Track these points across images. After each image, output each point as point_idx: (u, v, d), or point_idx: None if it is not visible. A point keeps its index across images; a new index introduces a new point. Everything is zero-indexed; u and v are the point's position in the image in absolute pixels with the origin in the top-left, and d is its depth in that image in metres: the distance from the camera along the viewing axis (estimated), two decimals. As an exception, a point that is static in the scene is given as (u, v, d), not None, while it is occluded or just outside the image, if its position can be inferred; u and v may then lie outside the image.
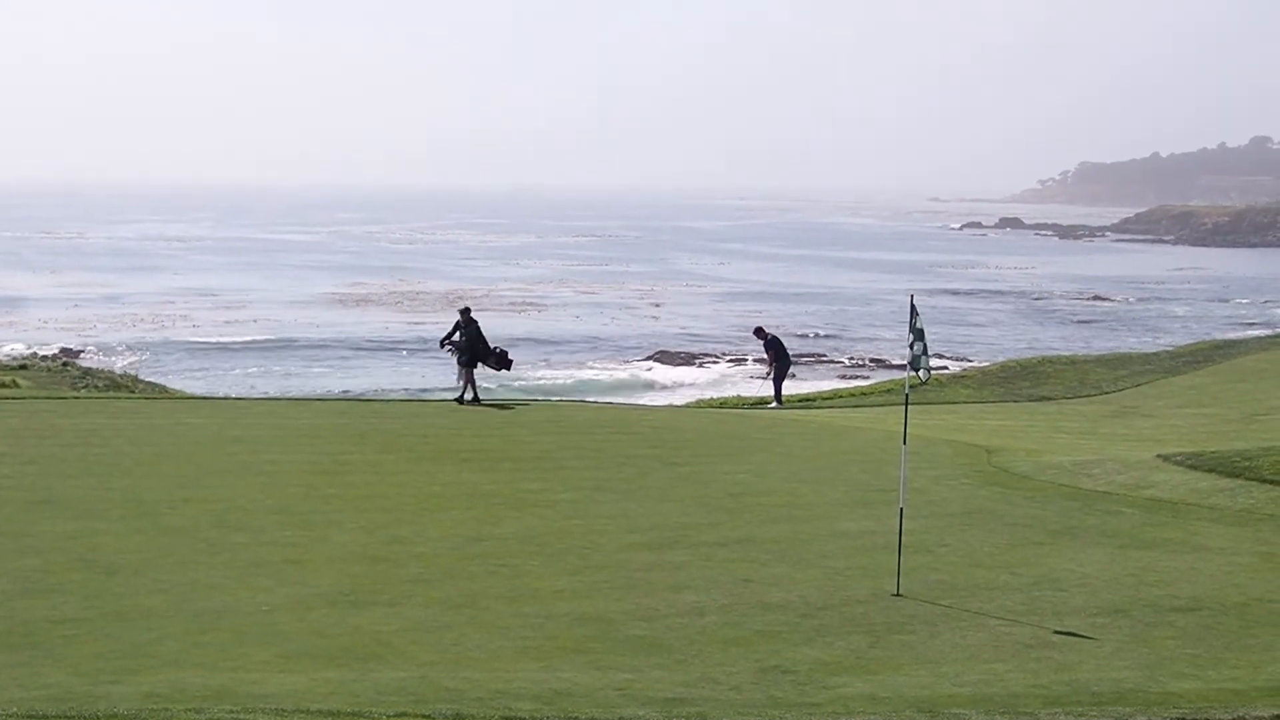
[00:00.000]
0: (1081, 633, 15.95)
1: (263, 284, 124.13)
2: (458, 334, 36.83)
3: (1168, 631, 16.11)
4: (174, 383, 56.98)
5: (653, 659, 14.47)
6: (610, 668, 14.08)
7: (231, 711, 10.87)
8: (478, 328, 36.85)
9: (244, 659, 13.85)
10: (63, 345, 73.64)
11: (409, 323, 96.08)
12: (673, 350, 78.45)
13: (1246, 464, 26.75)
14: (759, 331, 43.96)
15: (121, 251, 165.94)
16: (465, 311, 37.19)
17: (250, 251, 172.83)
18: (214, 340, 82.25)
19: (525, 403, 40.20)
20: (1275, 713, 13.04)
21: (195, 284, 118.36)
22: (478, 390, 36.93)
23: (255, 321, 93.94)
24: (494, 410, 35.43)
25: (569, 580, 17.63)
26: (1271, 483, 25.47)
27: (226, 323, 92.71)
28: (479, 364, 36.87)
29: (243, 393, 51.35)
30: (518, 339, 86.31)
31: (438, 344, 38.49)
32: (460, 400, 36.54)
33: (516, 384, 68.40)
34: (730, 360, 74.86)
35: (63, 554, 17.97)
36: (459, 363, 36.87)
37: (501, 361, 37.27)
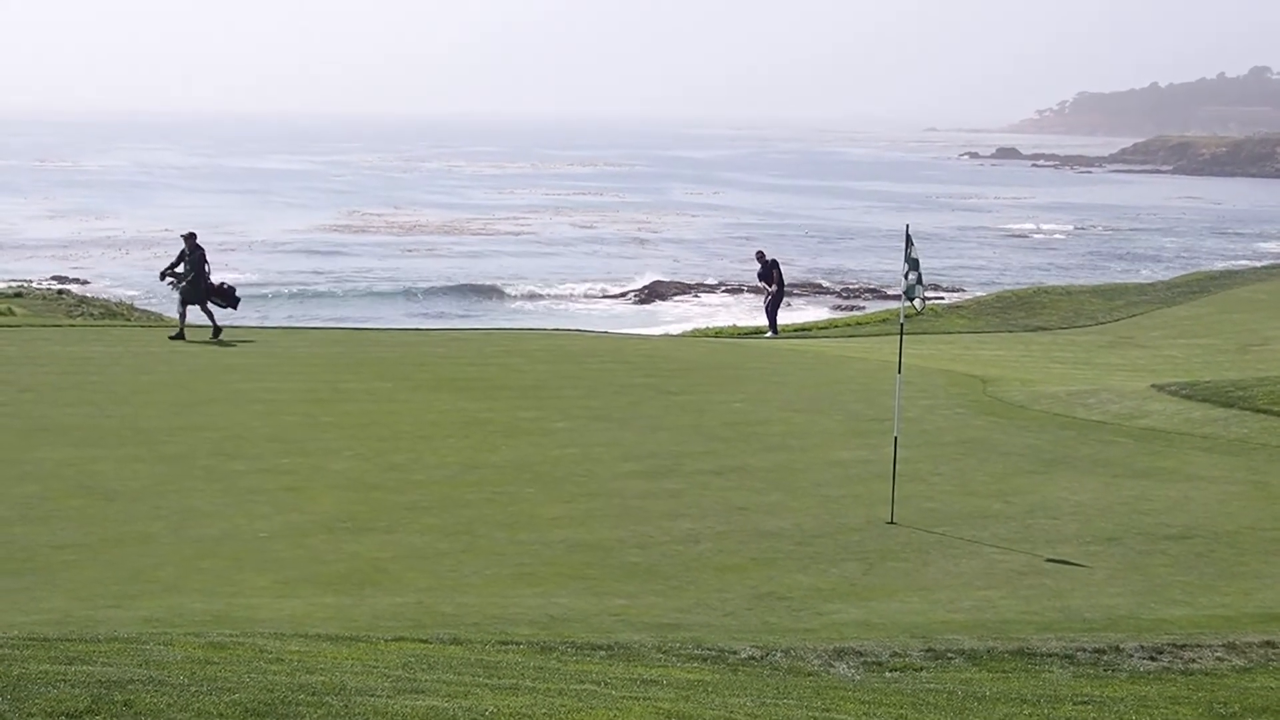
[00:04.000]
0: (1074, 560, 16.07)
1: (259, 214, 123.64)
2: (181, 264, 32.91)
3: (1160, 559, 16.22)
4: (171, 311, 56.87)
5: (648, 585, 14.57)
6: (606, 593, 14.18)
7: (230, 635, 10.95)
8: (202, 255, 33.06)
9: (242, 584, 13.94)
10: (56, 274, 73.46)
11: (404, 250, 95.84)
12: (668, 280, 78.29)
13: (1240, 394, 26.85)
14: (760, 255, 43.84)
15: (116, 181, 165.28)
16: (189, 238, 33.21)
17: (243, 178, 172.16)
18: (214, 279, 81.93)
19: (522, 331, 40.21)
20: (1265, 638, 13.16)
21: (188, 213, 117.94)
22: (185, 325, 32.79)
23: (249, 251, 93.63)
24: (489, 340, 35.44)
25: (565, 508, 17.72)
26: (1265, 412, 25.56)
27: (223, 249, 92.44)
28: (206, 300, 32.99)
29: (238, 321, 51.32)
30: (513, 268, 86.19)
31: (158, 276, 34.24)
32: (180, 336, 32.49)
33: (512, 311, 68.38)
34: (726, 290, 74.73)
35: (61, 481, 18.04)
36: (180, 296, 32.94)
37: (227, 298, 33.42)
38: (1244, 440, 23.80)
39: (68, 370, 27.07)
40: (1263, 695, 10.51)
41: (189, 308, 32.80)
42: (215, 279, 34.00)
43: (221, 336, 32.61)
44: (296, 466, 19.44)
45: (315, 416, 23.16)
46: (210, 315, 32.98)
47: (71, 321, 37.20)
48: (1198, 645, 12.91)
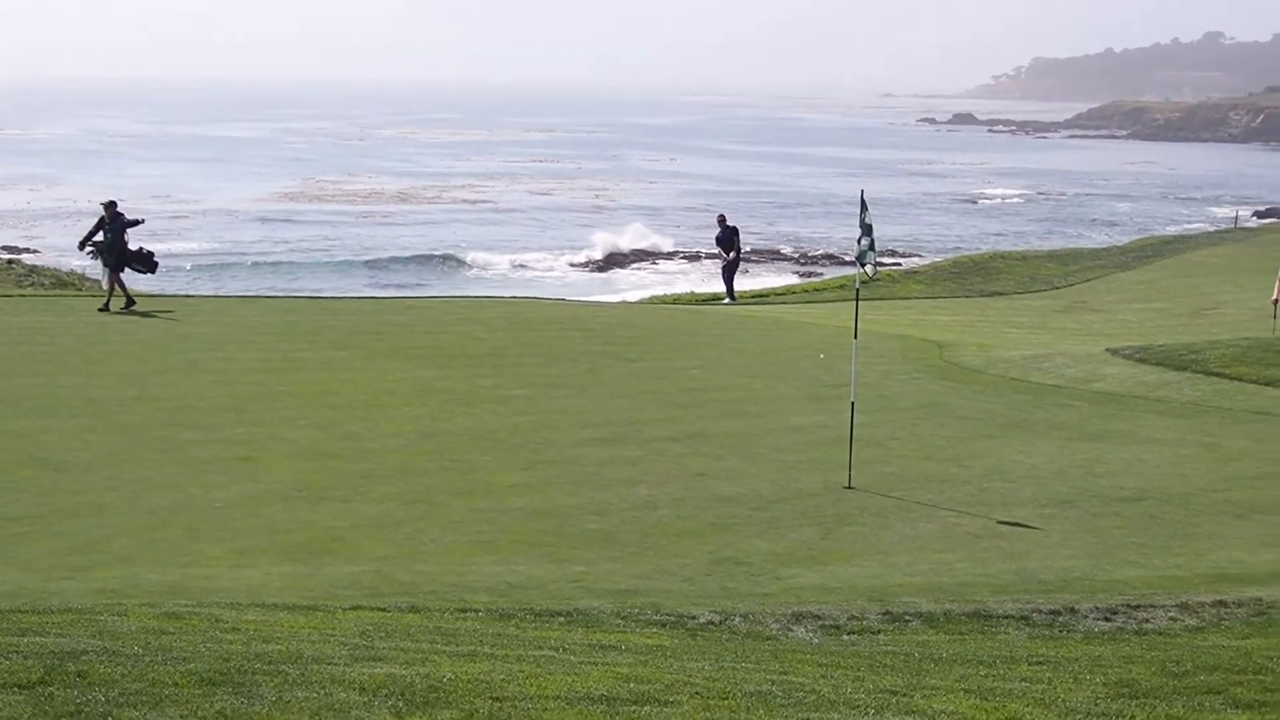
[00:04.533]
0: (1030, 523, 16.16)
1: (213, 182, 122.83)
2: (100, 233, 31.93)
3: (1114, 521, 16.34)
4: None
5: (606, 552, 14.59)
6: (565, 560, 14.19)
7: (185, 605, 10.91)
8: (122, 222, 32.11)
9: (197, 554, 13.88)
10: (6, 244, 72.85)
11: (360, 218, 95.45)
12: (626, 247, 78.20)
13: (1193, 357, 27.05)
14: (721, 220, 43.80)
15: (67, 150, 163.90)
16: (110, 206, 32.26)
17: (196, 145, 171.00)
18: (163, 250, 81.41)
19: (479, 299, 40.14)
20: (1216, 598, 13.27)
21: (142, 181, 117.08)
22: (129, 293, 32.48)
23: (203, 219, 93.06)
24: (445, 308, 35.36)
25: (523, 475, 17.71)
26: (1217, 375, 25.76)
27: (175, 217, 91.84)
28: (125, 267, 32.18)
29: (191, 290, 51.00)
30: (470, 236, 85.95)
31: (77, 246, 33.30)
32: (105, 308, 31.72)
33: (469, 279, 68.19)
34: (684, 257, 74.72)
35: (12, 452, 17.91)
36: (104, 265, 32.23)
37: (146, 263, 32.58)
38: (1196, 403, 23.98)
39: (18, 340, 26.86)
40: (1214, 654, 10.60)
41: (118, 274, 32.12)
42: (135, 245, 33.07)
43: (135, 307, 32.02)
44: (251, 436, 19.36)
45: (270, 386, 23.07)
46: (123, 285, 32.25)
47: (22, 291, 36.90)
48: (1151, 605, 13.01)
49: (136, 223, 32.85)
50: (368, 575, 13.31)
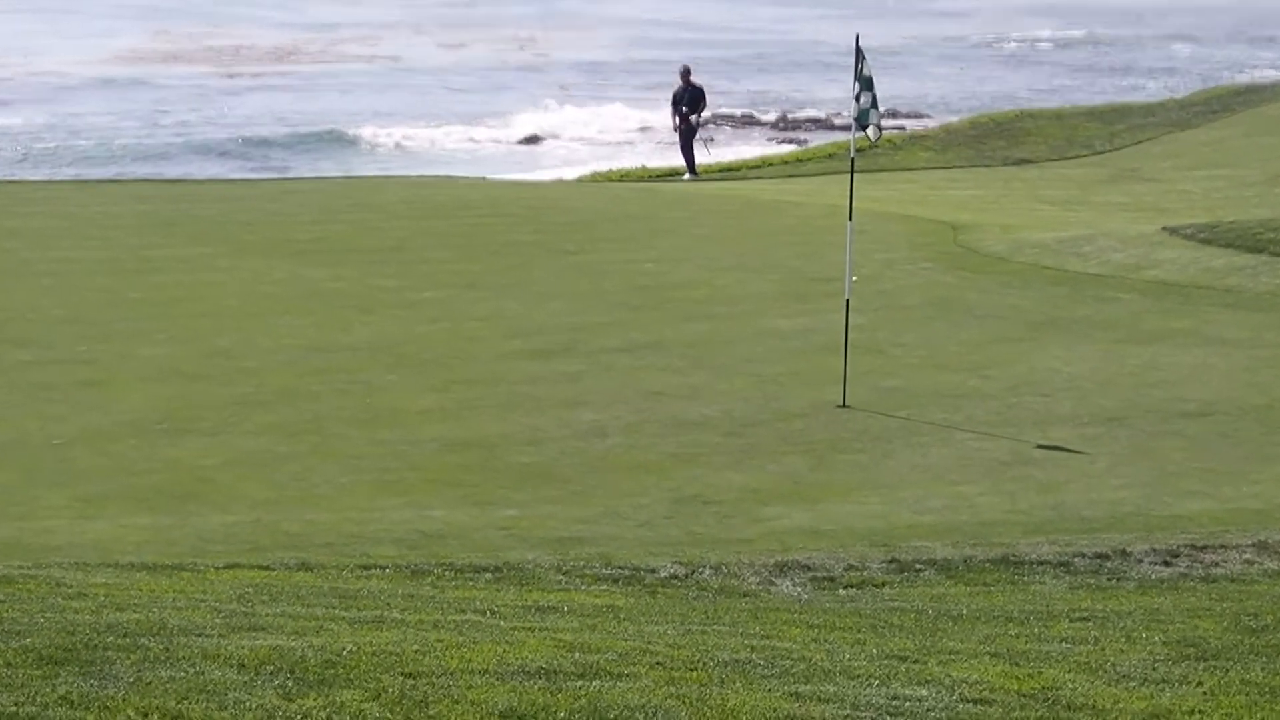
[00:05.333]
0: (1069, 446, 16.23)
1: (42, 39, 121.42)
2: None
3: (1174, 442, 16.41)
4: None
5: (543, 491, 14.61)
6: (490, 503, 14.21)
7: (20, 568, 10.85)
8: None
9: (33, 503, 13.83)
10: None
11: (226, 82, 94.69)
12: (560, 110, 77.76)
13: (1271, 236, 27.05)
14: (685, 73, 43.55)
15: None
16: None
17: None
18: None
19: (376, 180, 39.93)
20: (1302, 535, 13.37)
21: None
22: None
23: (31, 85, 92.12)
24: (335, 191, 35.18)
25: (436, 398, 17.69)
26: (1301, 259, 25.81)
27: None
28: None
29: (17, 175, 50.51)
30: (365, 103, 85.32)
31: None
32: None
33: (364, 160, 67.69)
34: (637, 129, 74.36)
35: None
36: None
37: None
38: (1275, 293, 24.04)
39: None
40: (1300, 603, 10.71)
41: None
42: None
43: None
44: (98, 354, 19.27)
45: (119, 292, 22.93)
46: None
47: None
48: (1221, 546, 13.07)
49: None
50: (245, 526, 13.29)
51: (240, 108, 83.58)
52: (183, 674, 6.87)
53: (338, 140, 73.96)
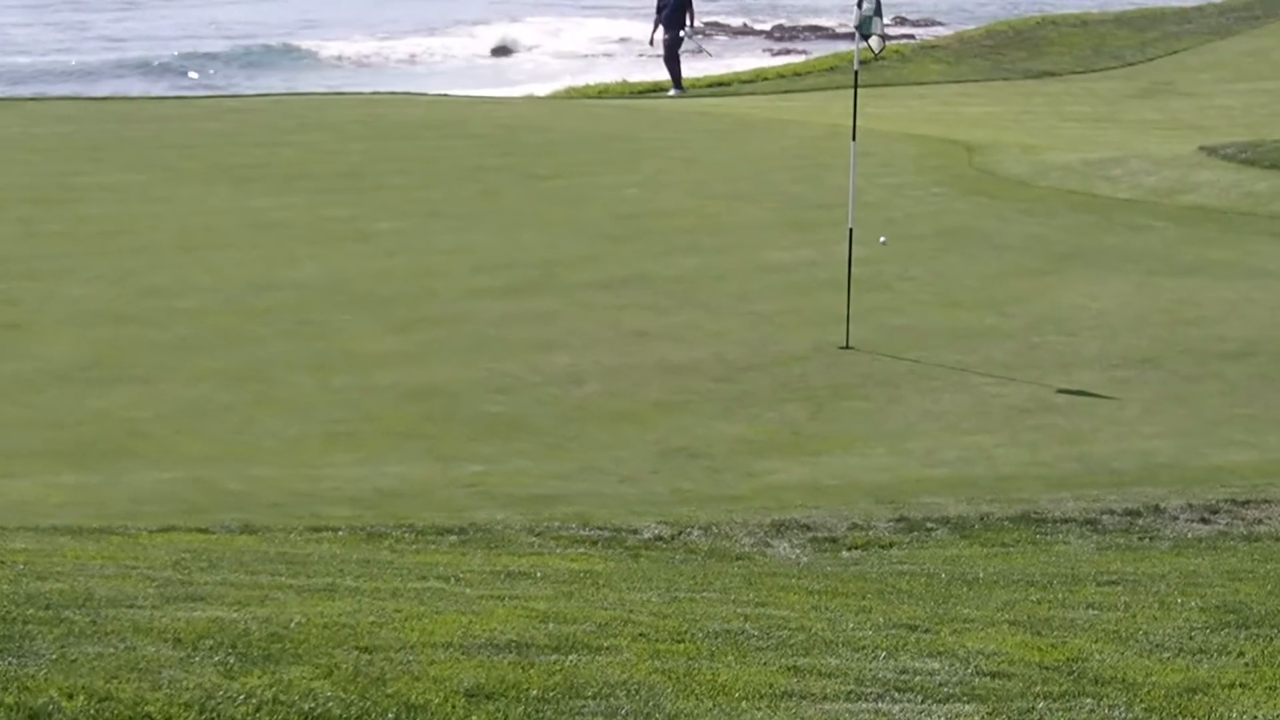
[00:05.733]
0: (1097, 391, 16.25)
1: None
2: None
3: (1213, 386, 16.45)
4: None
5: (514, 444, 14.62)
6: (455, 457, 14.21)
7: (-70, 533, 10.87)
8: None
9: (-55, 461, 13.84)
10: None
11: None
12: (529, 16, 77.52)
13: (1321, 157, 27.08)
14: None
15: None
16: None
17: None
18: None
19: (328, 98, 39.82)
20: (1355, 488, 13.40)
21: None
22: None
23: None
24: (282, 110, 35.07)
25: (395, 340, 17.69)
26: (1354, 181, 25.83)
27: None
28: None
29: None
30: (310, 15, 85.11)
31: None
32: None
33: (311, 71, 67.49)
34: (616, 40, 74.19)
35: None
36: None
37: None
38: (1326, 220, 24.08)
39: None
40: (1353, 564, 10.74)
41: None
42: None
43: None
44: (16, 294, 19.24)
45: (39, 224, 22.88)
46: None
47: None
48: (1266, 501, 13.10)
49: None
50: (183, 484, 13.29)
51: (175, 17, 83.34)
52: (112, 650, 6.86)
53: (287, 54, 73.70)
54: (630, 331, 18.11)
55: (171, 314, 18.55)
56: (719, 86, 44.50)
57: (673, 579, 10.22)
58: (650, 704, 6.49)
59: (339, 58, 73.04)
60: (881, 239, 19.00)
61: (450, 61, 71.32)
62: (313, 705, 6.22)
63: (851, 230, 18.68)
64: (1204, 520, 12.68)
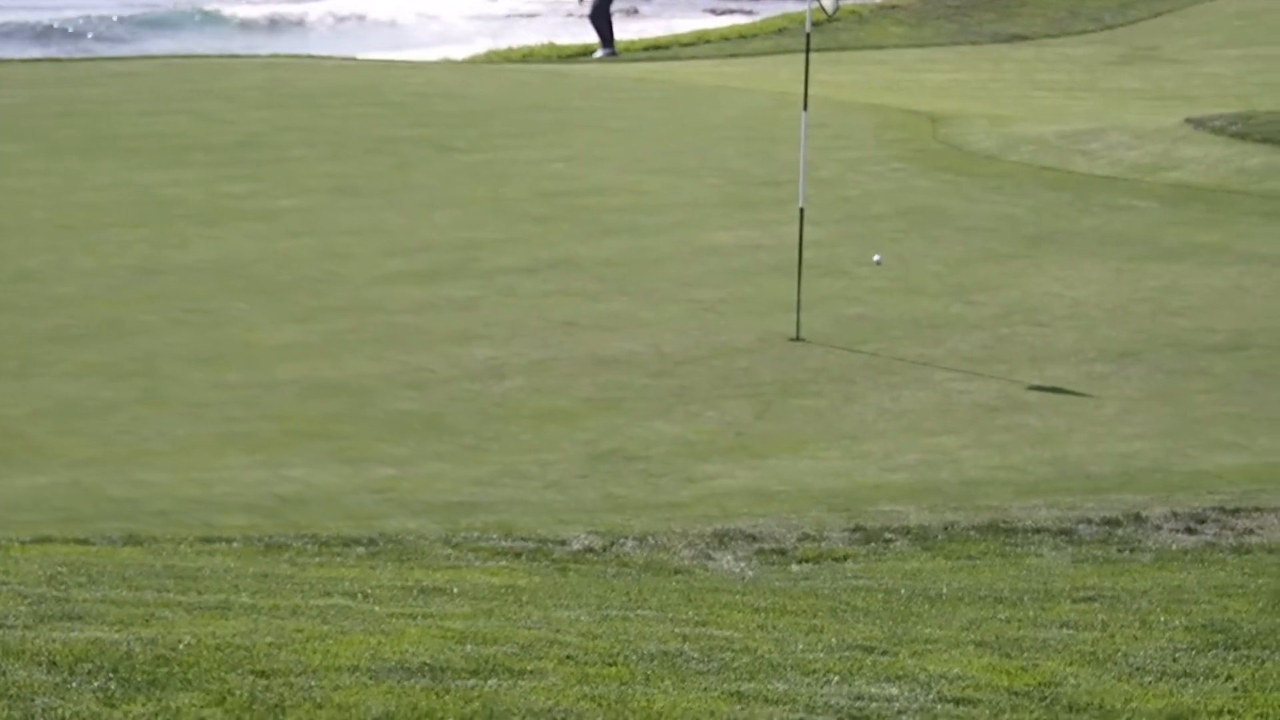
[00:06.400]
0: (1072, 388, 16.32)
1: None
2: None
3: (1200, 382, 16.53)
4: None
5: (429, 445, 14.62)
6: (363, 460, 14.21)
7: None
8: None
9: None
10: None
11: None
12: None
13: (1318, 130, 27.21)
14: None
15: None
16: None
17: None
18: None
19: (222, 60, 39.72)
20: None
21: None
22: None
23: None
24: (172, 74, 34.96)
25: (297, 330, 17.67)
26: (1355, 157, 25.96)
27: None
28: None
29: None
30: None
31: None
32: None
33: (207, 32, 67.29)
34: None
35: None
36: None
37: None
38: (1323, 199, 24.20)
39: None
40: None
41: None
42: None
43: None
44: (-127, 279, 19.18)
45: (-100, 200, 22.81)
46: None
47: None
48: (1257, 509, 13.17)
49: None
50: (60, 490, 13.24)
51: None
52: (-21, 675, 6.85)
53: (169, 21, 73.37)
54: (558, 321, 18.12)
55: (47, 301, 18.50)
56: (656, 50, 44.53)
57: (604, 595, 10.23)
58: (579, 733, 6.52)
59: (246, 22, 72.87)
60: (876, 258, 19.06)
61: (347, 23, 71.17)
62: (203, 736, 6.23)
63: (803, 210, 18.72)
64: (1189, 530, 12.75)
